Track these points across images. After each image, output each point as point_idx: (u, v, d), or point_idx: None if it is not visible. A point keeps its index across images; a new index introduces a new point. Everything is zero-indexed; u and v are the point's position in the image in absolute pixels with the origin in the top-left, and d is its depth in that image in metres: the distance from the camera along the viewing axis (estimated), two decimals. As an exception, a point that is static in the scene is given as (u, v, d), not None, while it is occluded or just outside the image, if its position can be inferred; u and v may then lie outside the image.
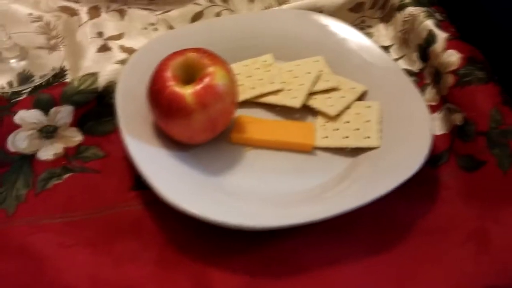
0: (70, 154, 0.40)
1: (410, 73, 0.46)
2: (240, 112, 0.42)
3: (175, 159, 0.37)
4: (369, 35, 0.51)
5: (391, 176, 0.35)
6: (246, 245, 0.34)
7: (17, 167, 0.38)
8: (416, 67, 0.46)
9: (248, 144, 0.40)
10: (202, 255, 0.34)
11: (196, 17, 0.51)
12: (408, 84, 0.41)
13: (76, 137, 0.40)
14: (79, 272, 0.33)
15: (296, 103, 0.41)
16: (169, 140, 0.38)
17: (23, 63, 0.47)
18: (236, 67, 0.45)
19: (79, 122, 0.41)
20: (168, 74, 0.36)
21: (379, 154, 0.38)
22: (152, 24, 0.51)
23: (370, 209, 0.33)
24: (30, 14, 0.52)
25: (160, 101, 0.35)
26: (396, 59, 0.48)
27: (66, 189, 0.37)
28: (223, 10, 0.52)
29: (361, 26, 0.52)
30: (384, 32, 0.51)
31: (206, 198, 0.35)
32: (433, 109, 0.42)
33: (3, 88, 0.44)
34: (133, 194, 0.37)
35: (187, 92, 0.35)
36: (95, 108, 0.42)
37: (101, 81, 0.42)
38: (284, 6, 0.50)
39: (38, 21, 0.51)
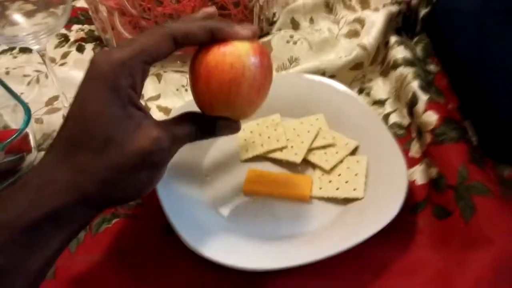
0: (117, 203, 0.50)
1: (400, 126, 0.53)
2: (252, 166, 0.50)
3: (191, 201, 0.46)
4: (368, 88, 0.58)
5: (373, 223, 0.42)
6: (244, 281, 0.41)
7: (77, 215, 0.49)
8: (406, 121, 0.53)
9: (257, 194, 0.48)
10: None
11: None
12: (391, 141, 0.47)
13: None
14: None
15: (297, 159, 0.49)
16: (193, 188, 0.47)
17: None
18: (250, 125, 0.53)
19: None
20: None
21: (364, 203, 0.45)
22: (183, 86, 0.61)
23: (354, 252, 0.40)
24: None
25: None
26: (390, 113, 0.55)
27: (114, 232, 0.48)
28: (242, 71, 0.61)
29: (362, 80, 0.59)
30: (382, 86, 0.58)
31: (220, 242, 0.43)
32: (416, 161, 0.49)
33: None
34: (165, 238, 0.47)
35: None
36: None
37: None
38: (293, 70, 0.58)
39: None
